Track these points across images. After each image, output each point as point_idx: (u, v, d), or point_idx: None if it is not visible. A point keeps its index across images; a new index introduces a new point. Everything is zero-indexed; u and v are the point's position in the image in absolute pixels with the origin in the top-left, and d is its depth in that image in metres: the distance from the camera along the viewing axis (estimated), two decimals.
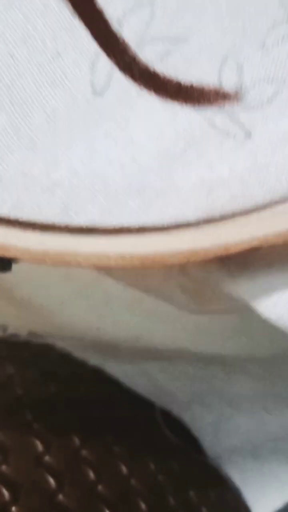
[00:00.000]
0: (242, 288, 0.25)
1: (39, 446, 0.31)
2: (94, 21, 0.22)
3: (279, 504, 0.39)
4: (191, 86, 0.23)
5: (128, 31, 0.22)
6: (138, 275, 0.27)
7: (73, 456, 0.32)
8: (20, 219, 0.23)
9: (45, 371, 0.37)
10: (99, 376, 0.39)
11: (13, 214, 0.23)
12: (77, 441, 0.33)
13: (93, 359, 0.41)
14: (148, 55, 0.23)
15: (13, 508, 0.29)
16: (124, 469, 0.33)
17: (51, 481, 0.30)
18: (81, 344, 0.40)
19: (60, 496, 0.30)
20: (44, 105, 0.23)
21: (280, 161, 0.23)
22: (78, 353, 0.41)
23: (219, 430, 0.40)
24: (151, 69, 0.23)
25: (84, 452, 0.32)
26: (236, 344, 0.36)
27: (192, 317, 0.35)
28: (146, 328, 0.36)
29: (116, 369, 0.41)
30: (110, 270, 0.27)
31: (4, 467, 0.30)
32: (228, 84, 0.23)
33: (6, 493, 0.29)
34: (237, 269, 0.25)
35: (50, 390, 0.35)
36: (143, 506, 0.32)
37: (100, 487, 0.31)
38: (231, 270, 0.25)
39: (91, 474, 0.32)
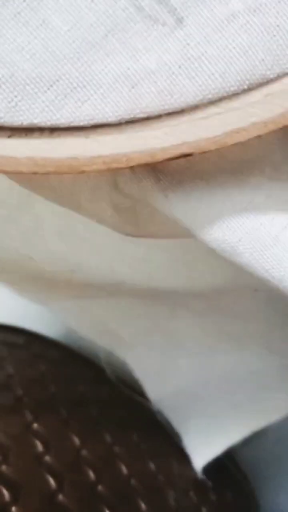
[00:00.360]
0: (175, 206, 0.22)
1: (39, 446, 0.32)
2: None
3: (220, 449, 0.38)
4: None
5: None
6: (67, 191, 0.25)
7: (73, 456, 0.32)
8: None
9: (45, 371, 0.37)
10: (99, 376, 0.39)
11: None
12: (77, 441, 0.33)
13: (32, 297, 0.39)
14: None
15: (13, 508, 0.29)
16: (124, 469, 0.33)
17: (51, 481, 0.30)
18: (18, 278, 0.38)
19: (60, 496, 0.30)
20: None
21: (214, 53, 0.20)
22: (17, 288, 0.39)
23: (162, 371, 0.38)
24: None
25: (84, 452, 0.32)
26: (178, 277, 0.34)
27: (130, 248, 0.32)
28: (81, 259, 0.33)
29: (57, 306, 0.39)
30: (29, 181, 0.24)
31: (4, 467, 0.30)
32: None
33: (6, 493, 0.29)
34: (172, 186, 0.22)
35: (50, 390, 0.36)
36: (143, 506, 0.32)
37: (100, 487, 0.31)
38: (165, 187, 0.22)
39: (91, 474, 0.32)
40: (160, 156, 0.20)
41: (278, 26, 0.20)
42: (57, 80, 0.20)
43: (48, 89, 0.20)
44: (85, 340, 0.40)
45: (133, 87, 0.20)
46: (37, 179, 0.23)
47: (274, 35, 0.20)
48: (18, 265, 0.34)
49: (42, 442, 0.32)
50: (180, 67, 0.20)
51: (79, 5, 0.20)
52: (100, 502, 0.31)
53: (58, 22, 0.20)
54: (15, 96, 0.20)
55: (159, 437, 0.38)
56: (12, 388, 0.34)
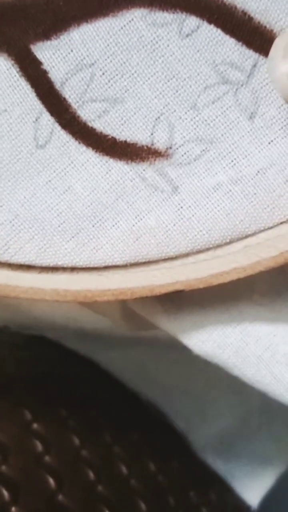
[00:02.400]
0: (174, 325, 0.27)
1: (39, 446, 0.31)
2: (38, 82, 0.25)
3: (271, 481, 0.39)
4: (125, 143, 0.25)
5: (69, 91, 0.25)
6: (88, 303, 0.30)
7: (73, 456, 0.32)
8: None
9: (45, 371, 0.37)
10: (100, 376, 0.40)
11: None
12: (77, 441, 0.33)
13: (82, 349, 0.43)
14: (87, 113, 0.25)
15: (13, 508, 0.28)
16: (124, 469, 0.33)
17: (51, 481, 0.30)
18: (66, 334, 0.43)
19: (60, 496, 0.30)
20: None
21: (202, 215, 0.25)
22: (66, 343, 0.43)
23: (204, 415, 0.41)
24: (89, 126, 0.25)
25: (84, 452, 0.32)
26: None
27: None
28: None
29: (104, 357, 0.43)
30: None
31: (3, 467, 0.30)
32: (159, 142, 0.25)
33: (5, 493, 0.29)
34: (172, 308, 0.27)
35: (50, 391, 0.35)
36: (143, 506, 0.32)
37: (100, 487, 0.31)
38: (166, 308, 0.28)
39: (91, 474, 0.31)
40: (158, 291, 0.26)
41: (255, 194, 0.25)
42: (77, 233, 0.26)
43: (70, 239, 0.26)
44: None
45: (137, 240, 0.25)
46: None
47: (252, 201, 0.25)
48: (65, 324, 0.38)
49: (42, 442, 0.31)
50: (174, 225, 0.25)
51: (96, 176, 0.25)
52: (100, 502, 0.30)
53: (80, 188, 0.25)
54: (45, 244, 0.26)
55: (160, 437, 0.38)
56: (12, 388, 0.34)
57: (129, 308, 0.29)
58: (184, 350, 0.31)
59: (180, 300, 0.27)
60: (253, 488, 0.39)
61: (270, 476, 0.39)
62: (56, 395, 0.35)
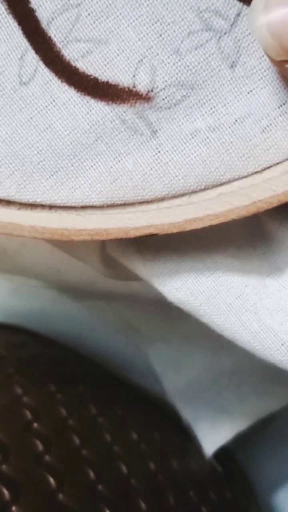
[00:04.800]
0: (150, 271, 0.28)
1: (39, 446, 0.31)
2: (25, 20, 0.25)
3: (229, 436, 0.40)
4: (107, 84, 0.25)
5: (55, 30, 0.25)
6: (67, 244, 0.31)
7: (73, 456, 0.32)
8: None
9: (45, 371, 0.38)
10: (100, 376, 0.41)
11: None
12: (77, 440, 0.33)
13: (67, 300, 0.44)
14: (72, 52, 0.25)
15: (13, 508, 0.28)
16: (124, 468, 0.33)
17: (51, 480, 0.30)
18: (49, 285, 0.44)
19: (60, 496, 0.30)
20: None
21: (179, 160, 0.26)
22: (52, 292, 0.43)
23: (178, 365, 0.42)
24: (73, 65, 0.25)
25: (84, 452, 0.32)
26: None
27: None
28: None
29: (91, 305, 0.44)
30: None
31: (4, 467, 0.30)
32: (141, 84, 0.25)
33: (6, 492, 0.29)
34: (149, 255, 0.28)
35: (50, 390, 0.36)
36: (143, 505, 0.32)
37: (100, 487, 0.31)
38: (143, 254, 0.28)
39: (91, 474, 0.32)
40: (132, 233, 0.26)
41: (231, 142, 0.25)
42: (56, 172, 0.26)
43: (50, 177, 0.26)
44: (84, 340, 0.43)
45: (114, 181, 0.26)
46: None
47: (228, 149, 0.25)
48: (47, 276, 0.39)
49: (42, 442, 0.32)
50: (151, 169, 0.26)
51: (77, 115, 0.26)
52: (100, 501, 0.31)
53: (60, 127, 0.26)
54: (24, 181, 0.26)
55: (160, 436, 0.38)
56: (12, 388, 0.34)
57: (108, 254, 0.29)
58: (165, 308, 0.32)
59: (157, 248, 0.28)
60: (211, 438, 0.40)
61: (229, 431, 0.40)
62: (56, 395, 0.36)
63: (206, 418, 0.41)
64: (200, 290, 0.28)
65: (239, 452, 0.44)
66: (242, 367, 0.41)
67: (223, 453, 0.41)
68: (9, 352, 0.38)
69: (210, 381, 0.42)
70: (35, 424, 0.32)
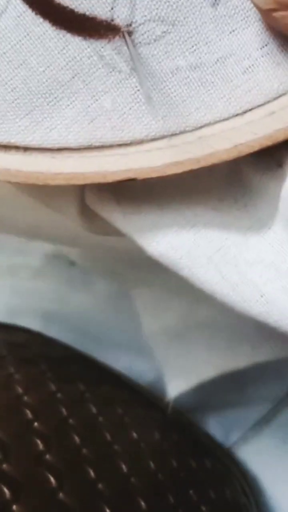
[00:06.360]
0: (130, 225, 0.27)
1: (40, 445, 0.32)
2: None
3: (194, 382, 0.41)
4: (84, 16, 0.24)
5: None
6: (42, 193, 0.29)
7: (73, 455, 0.32)
8: None
9: (45, 370, 0.38)
10: (100, 375, 0.41)
11: None
12: (77, 439, 0.33)
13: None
14: None
15: (14, 507, 0.28)
16: (124, 467, 0.33)
17: (52, 479, 0.30)
18: (30, 239, 0.43)
19: (61, 495, 0.30)
20: None
21: (158, 99, 0.25)
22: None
23: (157, 310, 0.42)
24: None
25: (84, 451, 0.32)
26: None
27: None
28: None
29: (77, 254, 0.44)
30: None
31: (5, 466, 0.30)
32: (119, 18, 0.24)
33: (7, 491, 0.29)
34: (129, 207, 0.27)
35: (50, 389, 0.36)
36: (143, 504, 0.32)
37: (100, 486, 0.31)
38: (123, 206, 0.27)
39: (91, 473, 0.32)
40: (110, 178, 0.25)
41: (212, 82, 0.24)
42: (32, 110, 0.25)
43: (24, 116, 0.25)
44: (85, 340, 0.43)
45: (91, 121, 0.25)
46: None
47: (209, 90, 0.25)
48: (27, 229, 0.38)
49: (43, 441, 0.32)
50: (130, 108, 0.25)
51: (53, 50, 0.24)
52: (100, 500, 0.31)
53: (35, 63, 0.24)
54: None
55: (159, 435, 0.38)
56: (13, 387, 0.34)
57: (87, 206, 0.28)
58: (148, 259, 0.31)
59: (138, 200, 0.27)
60: (176, 382, 0.41)
61: (194, 379, 0.41)
62: (56, 394, 0.35)
63: (174, 363, 0.42)
64: (181, 244, 0.27)
65: (239, 452, 0.44)
66: (215, 321, 0.42)
67: (223, 452, 0.42)
68: (10, 352, 0.38)
69: (183, 330, 0.42)
70: (36, 424, 0.32)
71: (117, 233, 0.28)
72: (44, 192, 0.28)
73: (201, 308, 0.41)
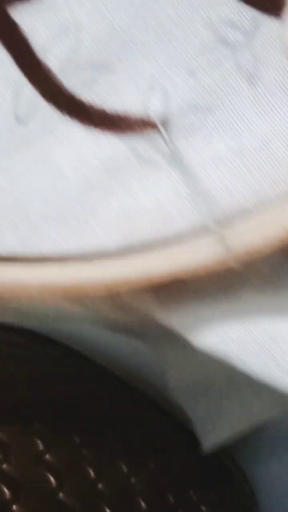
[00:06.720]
0: (172, 318, 0.25)
1: (40, 445, 0.31)
2: (18, 48, 0.22)
3: (226, 437, 0.38)
4: (116, 114, 0.23)
5: (53, 58, 0.23)
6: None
7: (73, 455, 0.32)
8: None
9: (46, 370, 0.37)
10: (100, 375, 0.39)
11: None
12: (77, 439, 0.32)
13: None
14: (73, 83, 0.23)
15: (14, 507, 0.29)
16: (124, 467, 0.33)
17: (52, 479, 0.30)
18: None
19: (61, 495, 0.30)
20: None
21: (201, 192, 0.22)
22: None
23: (184, 366, 0.41)
24: (76, 97, 0.23)
25: (84, 451, 0.32)
26: None
27: None
28: None
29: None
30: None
31: (4, 466, 0.30)
32: (154, 112, 0.23)
33: (6, 491, 0.29)
34: (169, 300, 0.25)
35: (51, 389, 0.35)
36: (143, 504, 0.32)
37: (100, 486, 0.31)
38: (162, 300, 0.25)
39: (92, 473, 0.31)
40: (157, 280, 0.23)
41: (258, 167, 0.22)
42: (65, 218, 0.23)
43: (58, 225, 0.23)
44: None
45: (130, 222, 0.23)
46: None
47: (255, 175, 0.22)
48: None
49: (42, 441, 0.31)
50: (171, 204, 0.23)
51: (85, 152, 0.23)
52: (100, 500, 0.31)
53: (66, 167, 0.23)
54: (29, 232, 0.23)
55: (160, 435, 0.37)
56: (13, 387, 0.34)
57: (121, 300, 0.26)
58: None
59: (176, 290, 0.24)
60: (209, 437, 0.38)
61: (227, 431, 0.39)
62: (57, 394, 0.35)
63: (206, 418, 0.39)
64: (227, 331, 0.24)
65: (239, 452, 0.42)
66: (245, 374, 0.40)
67: (223, 453, 0.39)
68: (10, 352, 0.37)
69: (212, 384, 0.40)
70: (36, 423, 0.32)
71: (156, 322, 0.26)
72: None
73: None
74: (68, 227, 0.23)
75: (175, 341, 0.40)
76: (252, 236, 0.22)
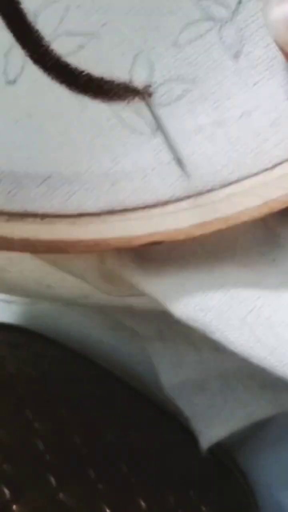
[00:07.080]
0: (155, 288, 0.26)
1: (40, 445, 0.32)
2: (10, 12, 0.23)
3: (223, 434, 0.40)
4: (102, 80, 0.23)
5: (43, 23, 0.23)
6: (62, 258, 0.28)
7: (73, 455, 0.32)
8: None
9: (46, 371, 0.38)
10: (100, 375, 0.40)
11: None
12: (77, 439, 0.33)
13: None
14: (61, 48, 0.23)
15: (14, 507, 0.29)
16: (124, 467, 0.33)
17: (52, 479, 0.30)
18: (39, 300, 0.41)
19: (61, 495, 0.30)
20: None
21: (183, 159, 0.24)
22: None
23: (176, 363, 0.41)
24: (63, 61, 0.23)
25: (84, 451, 0.33)
26: None
27: None
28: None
29: (82, 311, 0.42)
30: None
31: (5, 466, 0.30)
32: (138, 80, 0.23)
33: (6, 491, 0.29)
34: (152, 270, 0.26)
35: (51, 390, 0.36)
36: (143, 504, 0.32)
37: (100, 485, 0.31)
38: (146, 269, 0.26)
39: (92, 473, 0.32)
40: (135, 242, 0.24)
41: (239, 137, 0.23)
42: (49, 177, 0.24)
43: (41, 183, 0.24)
44: (85, 339, 0.42)
45: (112, 185, 0.24)
46: None
47: (235, 145, 0.23)
48: (37, 291, 0.37)
49: (43, 441, 0.32)
50: (153, 169, 0.24)
51: (70, 115, 0.24)
52: (101, 500, 0.31)
53: (52, 128, 0.24)
54: (13, 188, 0.24)
55: (160, 436, 0.38)
56: (13, 387, 0.34)
57: (108, 269, 0.27)
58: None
59: (160, 261, 0.26)
60: (207, 434, 0.40)
61: (224, 429, 0.40)
62: (57, 394, 0.35)
63: (202, 415, 0.41)
64: (210, 305, 0.25)
65: (239, 452, 0.43)
66: (236, 371, 0.40)
67: (223, 452, 0.41)
68: (10, 352, 0.38)
69: (206, 381, 0.41)
70: (36, 424, 0.32)
71: (139, 293, 0.26)
72: (62, 257, 0.27)
73: (222, 358, 0.40)
74: (51, 185, 0.24)
75: (168, 339, 0.41)
76: (231, 204, 0.23)
